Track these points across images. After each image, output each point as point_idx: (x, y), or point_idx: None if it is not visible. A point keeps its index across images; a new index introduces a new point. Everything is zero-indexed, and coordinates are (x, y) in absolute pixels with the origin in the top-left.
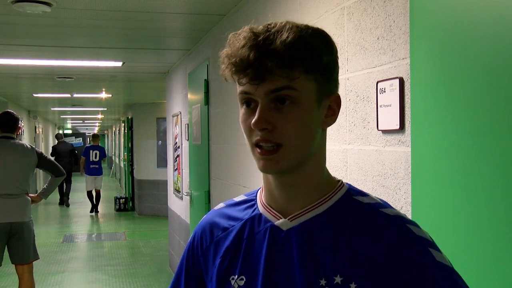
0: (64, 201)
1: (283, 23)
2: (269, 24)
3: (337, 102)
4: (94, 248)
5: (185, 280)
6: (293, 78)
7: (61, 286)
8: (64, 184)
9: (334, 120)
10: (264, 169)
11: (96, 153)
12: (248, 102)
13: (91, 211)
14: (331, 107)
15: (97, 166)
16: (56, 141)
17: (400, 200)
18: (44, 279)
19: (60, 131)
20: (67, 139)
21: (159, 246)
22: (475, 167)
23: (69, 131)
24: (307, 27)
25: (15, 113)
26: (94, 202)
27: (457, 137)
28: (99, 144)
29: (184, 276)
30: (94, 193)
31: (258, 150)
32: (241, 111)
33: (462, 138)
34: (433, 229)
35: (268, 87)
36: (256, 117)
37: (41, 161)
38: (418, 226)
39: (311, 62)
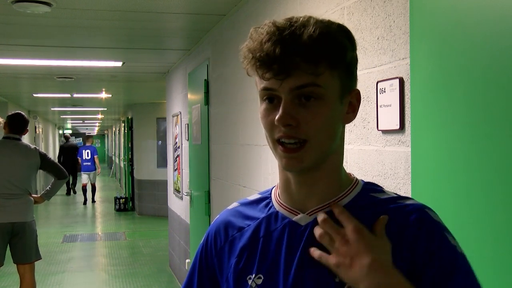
0: (70, 190)
1: (306, 18)
2: (290, 19)
3: (358, 97)
4: (94, 248)
5: (198, 280)
6: (318, 74)
7: (61, 286)
8: (70, 177)
9: (354, 116)
10: (288, 168)
11: (88, 152)
12: (271, 98)
13: (84, 203)
14: (351, 103)
15: (89, 163)
16: (65, 141)
17: None
18: (44, 279)
19: (62, 132)
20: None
21: (159, 246)
22: (475, 167)
23: (69, 131)
24: (331, 22)
25: (26, 115)
26: (89, 195)
27: (457, 137)
28: (92, 144)
29: (197, 276)
30: (89, 187)
31: (281, 148)
32: (262, 106)
33: (462, 138)
34: None
35: (294, 83)
36: (280, 112)
37: (44, 163)
38: (433, 210)
39: (337, 58)
